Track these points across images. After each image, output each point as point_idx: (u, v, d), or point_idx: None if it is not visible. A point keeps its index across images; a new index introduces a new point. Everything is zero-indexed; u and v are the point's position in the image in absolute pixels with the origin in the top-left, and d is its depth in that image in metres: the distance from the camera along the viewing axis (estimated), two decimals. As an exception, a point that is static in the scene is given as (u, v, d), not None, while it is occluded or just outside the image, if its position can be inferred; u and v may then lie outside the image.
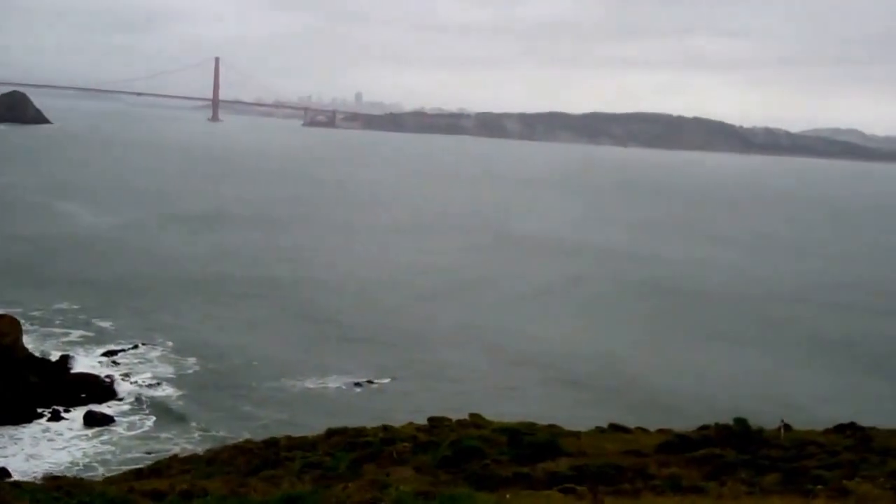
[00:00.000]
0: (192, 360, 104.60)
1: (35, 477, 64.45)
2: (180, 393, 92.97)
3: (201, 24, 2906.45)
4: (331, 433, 44.34)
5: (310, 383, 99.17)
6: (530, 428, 40.29)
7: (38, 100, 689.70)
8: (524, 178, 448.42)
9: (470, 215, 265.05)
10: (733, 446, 34.49)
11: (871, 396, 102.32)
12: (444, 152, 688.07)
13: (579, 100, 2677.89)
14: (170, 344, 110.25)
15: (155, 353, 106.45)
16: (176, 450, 70.56)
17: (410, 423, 45.18)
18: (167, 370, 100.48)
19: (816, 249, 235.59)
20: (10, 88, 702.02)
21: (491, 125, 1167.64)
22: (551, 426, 42.75)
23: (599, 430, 43.26)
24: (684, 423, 41.50)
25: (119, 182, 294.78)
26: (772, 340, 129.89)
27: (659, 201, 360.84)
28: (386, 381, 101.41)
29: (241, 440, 49.13)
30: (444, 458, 35.95)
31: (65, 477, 48.58)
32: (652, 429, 43.33)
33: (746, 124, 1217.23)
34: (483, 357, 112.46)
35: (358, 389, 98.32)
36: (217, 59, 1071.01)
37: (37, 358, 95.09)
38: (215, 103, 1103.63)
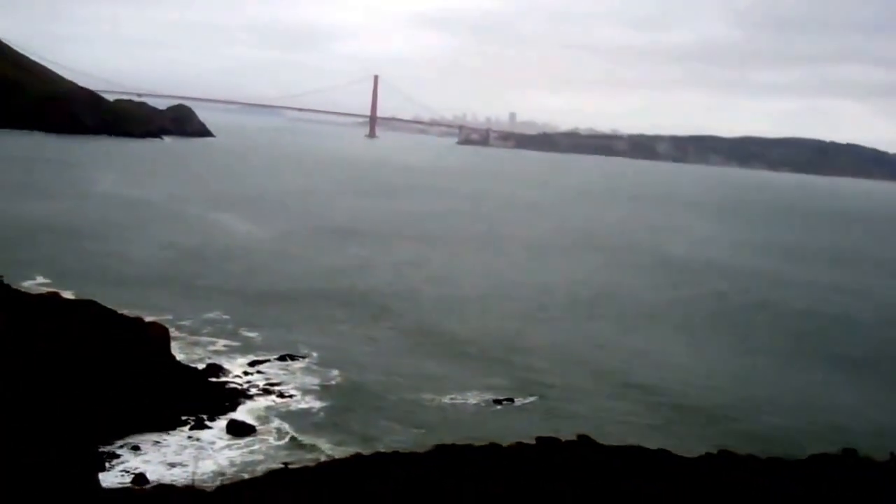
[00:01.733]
0: (334, 372, 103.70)
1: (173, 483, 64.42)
2: (322, 405, 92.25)
3: (362, 43, 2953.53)
4: (436, 449, 43.07)
5: (448, 399, 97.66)
6: (633, 452, 38.38)
7: (203, 114, 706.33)
8: (674, 199, 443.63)
9: (617, 235, 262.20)
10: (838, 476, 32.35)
11: None
12: (596, 172, 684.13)
13: (731, 123, 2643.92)
14: (314, 355, 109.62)
15: (298, 365, 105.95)
16: (322, 457, 70.14)
17: (518, 442, 43.56)
18: (310, 382, 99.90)
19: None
20: (177, 102, 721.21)
21: (643, 147, 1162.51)
22: (658, 450, 40.79)
23: (707, 455, 41.35)
24: (795, 452, 39.13)
25: (274, 195, 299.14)
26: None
27: (810, 226, 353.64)
28: (530, 399, 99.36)
29: (345, 455, 47.97)
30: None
31: (172, 486, 47.97)
32: (763, 456, 41.21)
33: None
34: (612, 380, 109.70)
35: (498, 407, 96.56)
36: (376, 77, 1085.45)
37: (183, 365, 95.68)
38: (373, 120, 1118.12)
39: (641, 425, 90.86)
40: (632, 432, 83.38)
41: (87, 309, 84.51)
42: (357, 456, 45.00)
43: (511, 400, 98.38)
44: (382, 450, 57.33)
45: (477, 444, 44.11)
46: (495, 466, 36.99)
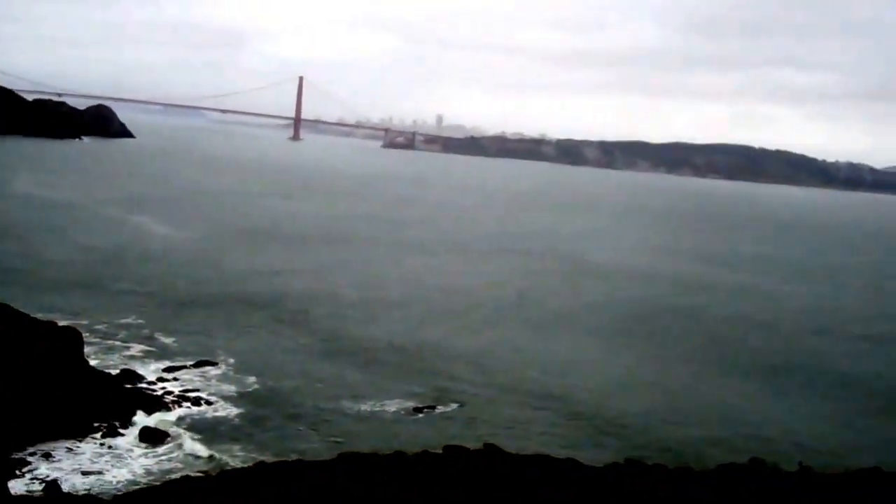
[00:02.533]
0: (252, 379, 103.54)
1: (81, 492, 64.53)
2: (237, 412, 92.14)
3: (287, 44, 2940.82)
4: (341, 456, 43.57)
5: (368, 406, 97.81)
6: (539, 461, 39.24)
7: (123, 114, 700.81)
8: (600, 205, 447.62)
9: (541, 240, 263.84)
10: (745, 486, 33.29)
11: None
12: (522, 177, 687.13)
13: (660, 129, 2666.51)
14: (231, 362, 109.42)
15: (215, 371, 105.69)
16: (231, 465, 70.42)
17: (424, 450, 44.15)
18: (226, 388, 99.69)
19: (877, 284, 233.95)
20: (97, 102, 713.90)
21: (571, 152, 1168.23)
22: (565, 460, 41.62)
23: (614, 464, 42.21)
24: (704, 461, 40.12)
25: (194, 197, 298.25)
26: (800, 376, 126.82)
27: (734, 233, 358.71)
28: (450, 407, 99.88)
29: (249, 463, 48.36)
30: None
31: (70, 494, 48.26)
32: (671, 465, 42.16)
33: (829, 158, 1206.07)
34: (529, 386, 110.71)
35: (418, 415, 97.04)
36: (301, 78, 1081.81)
37: (97, 371, 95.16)
38: (297, 122, 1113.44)
39: (552, 434, 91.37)
40: (542, 441, 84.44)
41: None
42: (260, 464, 45.29)
43: (431, 408, 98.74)
44: (296, 457, 57.77)
45: (383, 452, 44.57)
46: (400, 475, 37.48)
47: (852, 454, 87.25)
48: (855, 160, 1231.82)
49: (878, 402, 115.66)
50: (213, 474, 46.38)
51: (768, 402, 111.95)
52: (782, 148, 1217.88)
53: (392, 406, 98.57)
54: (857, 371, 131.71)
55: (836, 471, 37.56)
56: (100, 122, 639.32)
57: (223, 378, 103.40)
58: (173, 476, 69.06)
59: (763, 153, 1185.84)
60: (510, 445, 49.89)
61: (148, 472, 73.96)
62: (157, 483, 55.03)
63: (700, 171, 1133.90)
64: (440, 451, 44.02)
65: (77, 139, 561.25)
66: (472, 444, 46.80)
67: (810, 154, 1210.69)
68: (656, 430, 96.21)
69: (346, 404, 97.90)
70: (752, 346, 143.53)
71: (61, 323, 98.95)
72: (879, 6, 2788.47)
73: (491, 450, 44.39)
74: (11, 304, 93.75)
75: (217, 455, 78.10)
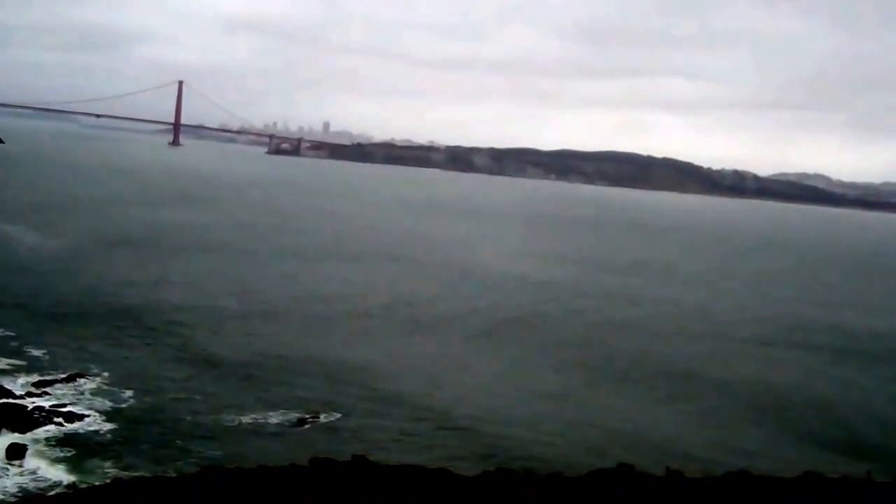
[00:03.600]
0: (128, 392, 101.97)
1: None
2: (111, 427, 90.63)
3: (165, 48, 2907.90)
4: (204, 470, 43.20)
5: (249, 418, 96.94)
6: (409, 472, 39.40)
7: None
8: (486, 211, 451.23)
9: (423, 247, 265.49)
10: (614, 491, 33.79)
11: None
12: (410, 184, 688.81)
13: (549, 137, 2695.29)
14: (105, 374, 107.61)
15: (89, 385, 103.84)
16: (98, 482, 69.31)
17: (292, 464, 44.05)
18: (100, 402, 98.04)
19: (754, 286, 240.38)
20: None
21: (460, 159, 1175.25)
22: (437, 469, 41.88)
23: (485, 473, 42.49)
24: (577, 467, 40.63)
25: (67, 205, 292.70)
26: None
27: (619, 238, 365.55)
28: (335, 416, 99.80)
29: (108, 480, 47.76)
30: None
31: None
32: (542, 473, 42.67)
33: (715, 166, 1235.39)
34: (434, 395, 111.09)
35: (305, 426, 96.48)
36: (180, 83, 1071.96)
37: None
38: (177, 127, 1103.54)
39: (428, 445, 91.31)
40: (417, 452, 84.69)
41: None
42: (117, 480, 44.70)
43: (314, 419, 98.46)
44: (170, 474, 57.11)
45: (246, 466, 44.29)
46: (258, 489, 37.29)
47: (721, 458, 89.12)
48: (740, 168, 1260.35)
49: (749, 406, 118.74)
50: (70, 492, 45.56)
51: (637, 407, 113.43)
52: (669, 156, 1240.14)
53: (274, 418, 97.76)
54: (729, 375, 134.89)
55: (703, 474, 38.28)
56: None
57: (97, 392, 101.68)
58: (44, 492, 68.00)
59: (651, 161, 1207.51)
60: (388, 457, 49.81)
61: (14, 492, 72.41)
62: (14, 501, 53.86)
63: (589, 178, 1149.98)
64: (306, 464, 43.84)
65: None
66: (341, 457, 46.63)
67: (697, 162, 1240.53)
68: (528, 437, 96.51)
69: (227, 417, 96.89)
70: (627, 351, 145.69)
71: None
72: (757, 17, 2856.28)
73: (360, 460, 44.35)
74: None
75: (87, 470, 76.94)
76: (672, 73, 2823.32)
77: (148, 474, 52.04)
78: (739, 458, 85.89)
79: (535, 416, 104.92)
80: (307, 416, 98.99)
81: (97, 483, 52.42)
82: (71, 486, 72.59)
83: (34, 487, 72.94)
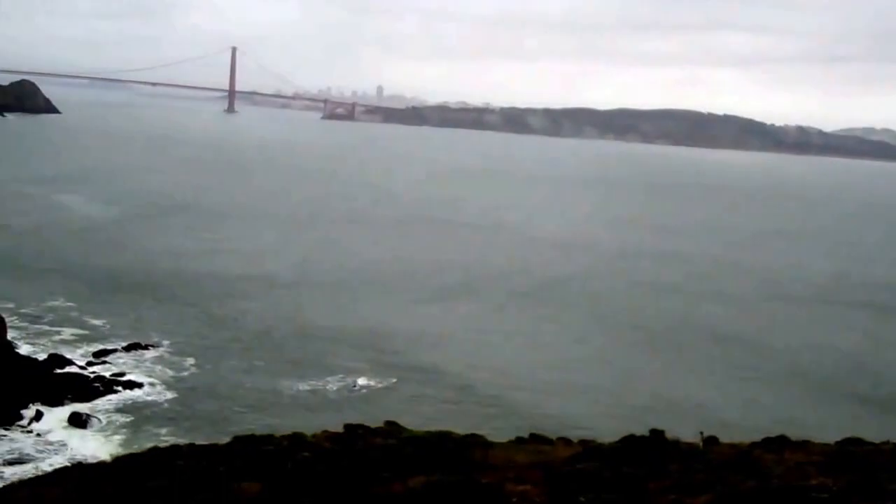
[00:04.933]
0: (189, 361, 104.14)
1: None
2: (171, 395, 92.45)
3: (218, 14, 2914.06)
4: (236, 440, 43.73)
5: (307, 385, 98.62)
6: (441, 437, 39.61)
7: (48, 89, 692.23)
8: (544, 174, 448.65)
9: (480, 212, 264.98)
10: (643, 459, 33.81)
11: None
12: (466, 147, 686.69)
13: (606, 95, 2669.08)
14: (166, 343, 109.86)
15: (150, 354, 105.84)
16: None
17: (325, 431, 44.60)
18: (161, 371, 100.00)
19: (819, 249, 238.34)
20: (20, 77, 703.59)
21: (516, 120, 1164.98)
22: (469, 435, 42.08)
23: (519, 440, 42.61)
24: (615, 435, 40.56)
25: (124, 174, 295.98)
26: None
27: (681, 200, 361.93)
28: (391, 381, 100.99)
29: (144, 448, 48.49)
30: (345, 469, 35.39)
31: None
32: (576, 439, 42.87)
33: (778, 122, 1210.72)
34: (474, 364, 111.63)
35: (364, 391, 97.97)
36: (234, 49, 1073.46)
37: (22, 356, 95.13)
38: (231, 94, 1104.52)
39: (459, 410, 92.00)
40: (449, 417, 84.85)
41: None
42: (153, 449, 45.44)
43: (369, 385, 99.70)
44: (221, 440, 57.65)
45: (278, 434, 44.98)
46: (286, 458, 37.81)
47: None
48: (804, 124, 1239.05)
49: (800, 372, 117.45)
50: (108, 461, 46.41)
51: (678, 372, 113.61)
52: (730, 113, 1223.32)
53: (333, 384, 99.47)
54: (784, 339, 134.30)
55: (740, 441, 38.38)
56: (23, 98, 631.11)
57: (158, 361, 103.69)
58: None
59: (711, 118, 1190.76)
60: (423, 423, 50.41)
61: (74, 458, 73.73)
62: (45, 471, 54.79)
63: (648, 138, 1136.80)
64: (341, 430, 44.44)
65: (0, 115, 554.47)
66: (371, 423, 47.31)
67: (758, 118, 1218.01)
68: (561, 403, 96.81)
69: (286, 383, 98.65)
70: (675, 314, 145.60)
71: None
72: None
73: (391, 426, 44.93)
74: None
75: (145, 437, 78.21)
76: (733, 28, 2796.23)
77: (204, 441, 52.79)
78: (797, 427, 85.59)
79: (572, 383, 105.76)
80: (359, 383, 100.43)
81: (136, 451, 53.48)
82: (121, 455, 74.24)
83: (91, 455, 74.18)
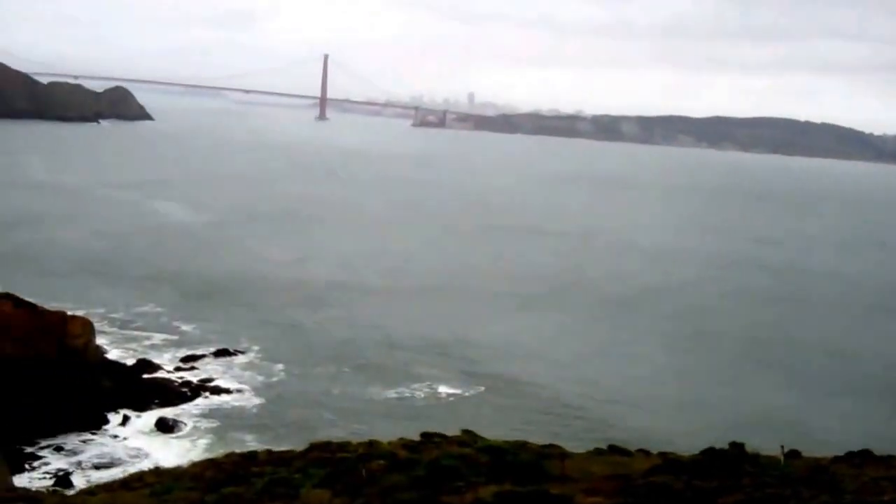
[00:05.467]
0: (279, 366, 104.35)
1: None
2: (259, 402, 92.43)
3: (310, 21, 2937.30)
4: (312, 447, 43.25)
5: (393, 392, 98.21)
6: (518, 447, 38.58)
7: (142, 96, 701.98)
8: (637, 182, 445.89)
9: (572, 220, 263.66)
10: (721, 472, 32.56)
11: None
12: (558, 155, 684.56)
13: (700, 103, 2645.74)
14: (255, 349, 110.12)
15: (239, 359, 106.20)
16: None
17: (401, 438, 43.91)
18: (249, 376, 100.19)
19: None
20: (115, 84, 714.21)
21: (608, 128, 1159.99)
22: (547, 446, 41.10)
23: (598, 451, 41.50)
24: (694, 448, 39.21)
25: (215, 180, 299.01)
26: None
27: (778, 209, 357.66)
28: (477, 390, 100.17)
29: (221, 455, 48.05)
30: (418, 478, 34.50)
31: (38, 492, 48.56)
32: (656, 451, 41.66)
33: (878, 132, 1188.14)
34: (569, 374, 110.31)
35: (449, 399, 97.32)
36: (326, 56, 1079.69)
37: (110, 361, 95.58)
38: (323, 101, 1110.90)
39: (540, 421, 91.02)
40: (530, 427, 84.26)
41: (3, 304, 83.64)
42: (230, 455, 45.11)
43: (453, 394, 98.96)
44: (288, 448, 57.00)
45: (355, 441, 44.42)
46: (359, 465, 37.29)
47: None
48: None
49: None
50: (186, 466, 46.18)
51: (766, 386, 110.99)
52: (829, 121, 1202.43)
53: (420, 391, 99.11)
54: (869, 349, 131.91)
55: (822, 455, 36.97)
56: (118, 104, 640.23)
57: (248, 366, 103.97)
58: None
59: (809, 126, 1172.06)
60: (502, 434, 49.45)
61: (158, 463, 73.68)
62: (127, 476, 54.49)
63: (743, 146, 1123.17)
64: (417, 439, 43.85)
65: (94, 122, 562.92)
66: (449, 431, 46.54)
67: (858, 127, 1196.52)
68: (642, 415, 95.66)
69: (374, 390, 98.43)
70: (765, 324, 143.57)
71: (77, 312, 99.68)
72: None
73: (467, 435, 44.13)
74: (24, 293, 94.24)
75: (229, 442, 77.82)
76: (831, 35, 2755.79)
77: (294, 448, 52.24)
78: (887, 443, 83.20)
79: (659, 395, 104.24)
80: (442, 391, 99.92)
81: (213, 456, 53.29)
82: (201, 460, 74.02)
83: (173, 460, 73.97)
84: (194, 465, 45.14)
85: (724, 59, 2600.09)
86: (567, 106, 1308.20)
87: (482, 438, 42.00)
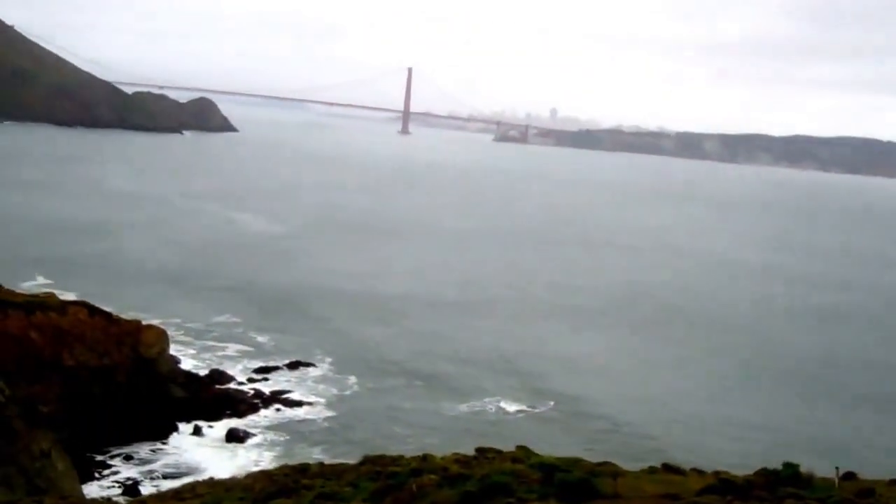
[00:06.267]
0: (352, 379, 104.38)
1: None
2: (329, 414, 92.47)
3: (392, 34, 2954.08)
4: (365, 460, 43.06)
5: (466, 406, 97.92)
6: (571, 464, 37.98)
7: (225, 107, 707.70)
8: (720, 200, 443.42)
9: (649, 235, 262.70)
10: (770, 494, 31.79)
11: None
12: (640, 172, 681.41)
13: (781, 121, 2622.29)
14: (329, 361, 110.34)
15: (312, 371, 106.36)
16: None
17: (455, 453, 43.65)
18: (322, 389, 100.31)
19: None
20: (199, 95, 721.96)
21: (690, 145, 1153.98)
22: (601, 464, 40.53)
23: (651, 470, 40.84)
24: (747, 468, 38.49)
25: (295, 192, 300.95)
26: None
27: (857, 228, 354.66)
28: (543, 406, 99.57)
29: (275, 467, 48.02)
30: (468, 494, 34.07)
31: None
32: (710, 471, 40.91)
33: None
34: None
35: (514, 415, 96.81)
36: (410, 70, 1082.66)
37: (183, 371, 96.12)
38: (406, 115, 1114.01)
39: (594, 439, 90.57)
40: (585, 444, 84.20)
41: (79, 312, 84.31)
42: (283, 467, 45.17)
43: (518, 410, 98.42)
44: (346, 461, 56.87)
45: (408, 455, 44.31)
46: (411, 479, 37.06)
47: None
48: None
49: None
50: (240, 478, 46.25)
51: (797, 410, 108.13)
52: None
53: (491, 406, 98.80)
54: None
55: (878, 478, 36.07)
56: (201, 115, 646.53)
57: (321, 379, 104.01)
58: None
59: (890, 146, 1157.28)
60: (553, 451, 48.93)
61: (227, 473, 73.89)
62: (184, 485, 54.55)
63: (823, 165, 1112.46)
64: (473, 454, 43.74)
65: (178, 133, 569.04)
66: (504, 447, 46.34)
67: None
68: (703, 434, 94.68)
69: (446, 404, 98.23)
70: (840, 348, 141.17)
71: (155, 321, 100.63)
72: None
73: (522, 451, 43.91)
74: (100, 301, 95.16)
75: (297, 455, 77.79)
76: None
77: (348, 461, 52.35)
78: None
79: (718, 414, 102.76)
80: (511, 407, 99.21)
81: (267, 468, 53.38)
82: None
83: (235, 471, 74.17)
84: (248, 476, 45.24)
85: (802, 76, 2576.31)
86: (649, 123, 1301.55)
87: (536, 455, 41.77)
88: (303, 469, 43.26)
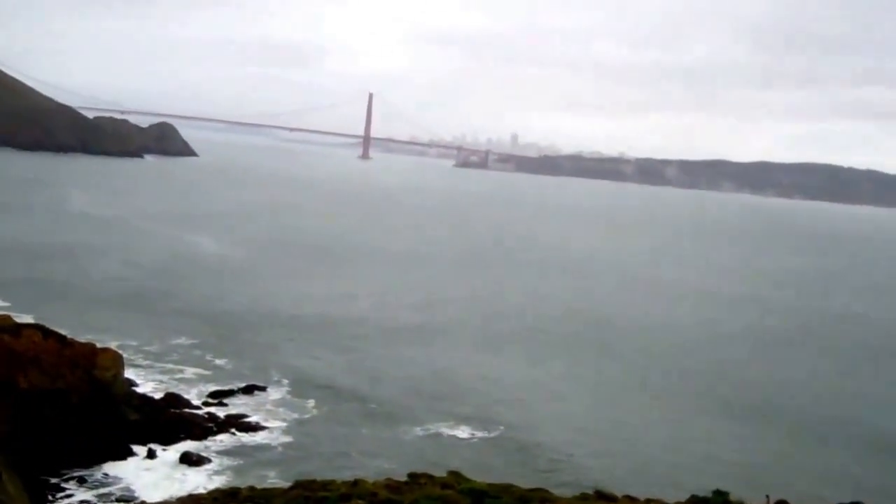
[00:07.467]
0: (310, 402, 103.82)
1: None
2: (286, 439, 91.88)
3: (355, 60, 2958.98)
4: (296, 485, 43.13)
5: (423, 431, 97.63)
6: (502, 490, 38.26)
7: (186, 132, 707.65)
8: (681, 227, 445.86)
9: (610, 261, 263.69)
10: None
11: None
12: (601, 198, 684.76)
13: (743, 148, 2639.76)
14: (286, 384, 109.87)
15: (270, 395, 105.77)
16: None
17: (387, 479, 43.80)
18: (279, 412, 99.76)
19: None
20: (160, 119, 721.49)
21: (651, 172, 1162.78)
22: (533, 490, 40.75)
23: (583, 496, 41.14)
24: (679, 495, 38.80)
25: (254, 216, 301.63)
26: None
27: (817, 255, 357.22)
28: (491, 433, 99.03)
29: (206, 492, 47.92)
30: None
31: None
32: (642, 497, 41.23)
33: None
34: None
35: (479, 437, 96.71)
36: (371, 95, 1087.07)
37: (138, 394, 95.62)
38: (367, 140, 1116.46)
39: (538, 468, 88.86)
40: (521, 472, 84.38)
41: (33, 335, 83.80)
42: (213, 492, 45.13)
43: (484, 434, 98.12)
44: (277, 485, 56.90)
45: (339, 480, 44.33)
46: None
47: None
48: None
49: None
50: (173, 501, 46.23)
51: (733, 437, 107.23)
52: (873, 168, 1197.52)
53: (447, 429, 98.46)
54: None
55: None
56: (162, 140, 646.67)
57: (279, 402, 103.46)
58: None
59: (851, 173, 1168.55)
60: (488, 478, 48.76)
61: (178, 497, 73.58)
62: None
63: (786, 192, 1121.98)
64: (404, 479, 43.80)
65: (139, 157, 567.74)
66: (438, 473, 46.23)
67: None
68: (637, 461, 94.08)
69: (403, 428, 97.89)
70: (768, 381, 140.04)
71: (112, 344, 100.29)
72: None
73: (454, 476, 43.97)
74: (55, 324, 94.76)
75: (249, 478, 77.52)
76: (871, 82, 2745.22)
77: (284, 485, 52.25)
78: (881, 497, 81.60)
79: (653, 442, 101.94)
80: (472, 432, 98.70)
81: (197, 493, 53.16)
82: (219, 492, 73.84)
83: (201, 496, 73.86)
84: (179, 500, 45.09)
85: (764, 104, 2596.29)
86: (610, 149, 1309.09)
87: (467, 480, 41.79)
88: (233, 493, 43.11)
